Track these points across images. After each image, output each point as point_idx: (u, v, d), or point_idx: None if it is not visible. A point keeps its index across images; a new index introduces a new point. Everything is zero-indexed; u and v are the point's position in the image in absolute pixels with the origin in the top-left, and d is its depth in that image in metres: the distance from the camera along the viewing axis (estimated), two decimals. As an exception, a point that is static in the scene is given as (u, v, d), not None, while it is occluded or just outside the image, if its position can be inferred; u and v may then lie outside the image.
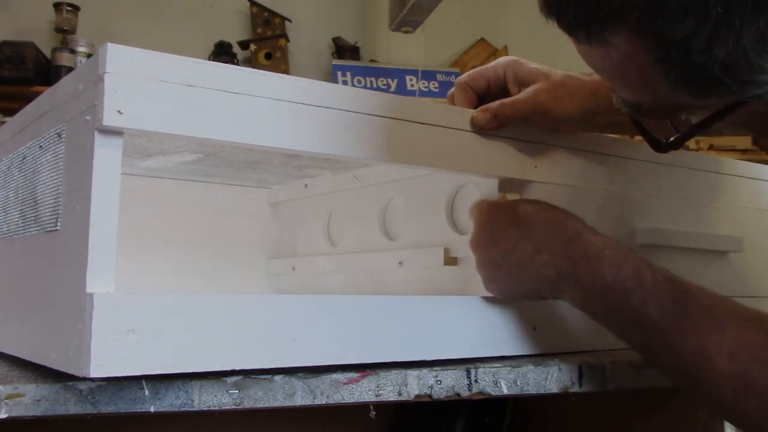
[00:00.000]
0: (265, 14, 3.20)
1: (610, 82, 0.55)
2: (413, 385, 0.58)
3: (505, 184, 0.72)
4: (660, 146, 0.60)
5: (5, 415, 0.46)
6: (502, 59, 0.75)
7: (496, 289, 0.66)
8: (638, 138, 0.83)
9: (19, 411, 0.47)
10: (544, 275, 0.62)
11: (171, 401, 0.50)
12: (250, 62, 3.10)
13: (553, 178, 0.73)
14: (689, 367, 0.56)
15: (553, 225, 0.63)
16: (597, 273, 0.59)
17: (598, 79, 0.72)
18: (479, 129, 0.67)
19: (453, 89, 0.76)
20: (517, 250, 0.63)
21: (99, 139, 0.49)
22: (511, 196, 0.72)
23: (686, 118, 0.57)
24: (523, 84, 0.72)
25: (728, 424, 0.80)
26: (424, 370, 0.59)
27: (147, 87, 0.50)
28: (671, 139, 0.59)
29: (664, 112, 0.56)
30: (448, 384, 0.59)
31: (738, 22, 0.44)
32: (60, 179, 0.54)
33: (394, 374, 0.57)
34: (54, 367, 0.51)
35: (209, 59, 2.45)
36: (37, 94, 0.63)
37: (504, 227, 0.65)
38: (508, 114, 0.68)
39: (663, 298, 0.57)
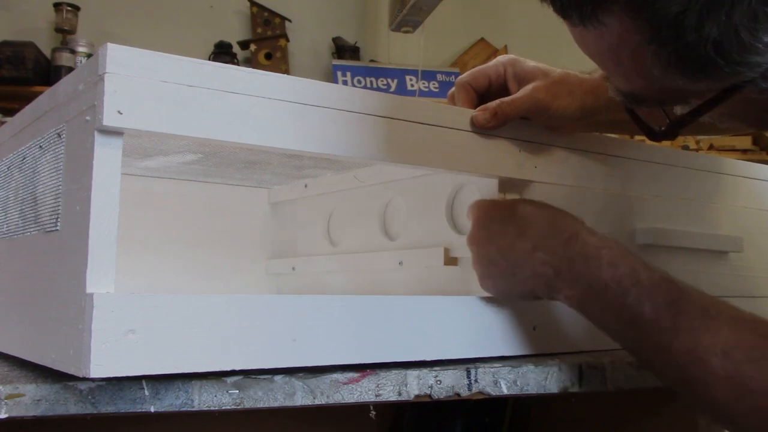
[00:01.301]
0: (265, 14, 3.20)
1: (605, 68, 0.55)
2: (413, 385, 0.58)
3: (505, 184, 0.72)
4: (654, 134, 0.60)
5: (5, 415, 0.46)
6: (501, 57, 0.75)
7: (491, 286, 0.66)
8: (638, 137, 0.83)
9: (19, 411, 0.47)
10: (540, 273, 0.62)
11: (171, 401, 0.50)
12: (250, 62, 3.10)
13: (553, 178, 0.73)
14: (682, 367, 0.55)
15: (551, 224, 0.63)
16: (594, 272, 0.59)
17: (597, 77, 0.72)
18: (479, 128, 0.68)
19: (454, 88, 0.76)
20: (514, 247, 0.63)
21: (99, 139, 0.49)
22: (511, 197, 0.72)
23: (680, 111, 0.57)
24: (522, 82, 0.72)
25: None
26: (424, 370, 0.59)
27: (147, 87, 0.50)
28: (664, 127, 0.59)
29: (657, 100, 0.56)
30: (448, 384, 0.59)
31: (729, 0, 0.44)
32: (60, 179, 0.54)
33: (394, 374, 0.57)
34: (54, 367, 0.51)
35: (209, 59, 2.45)
36: (37, 94, 0.63)
37: (502, 225, 0.65)
38: (507, 112, 0.68)
39: (658, 297, 0.57)
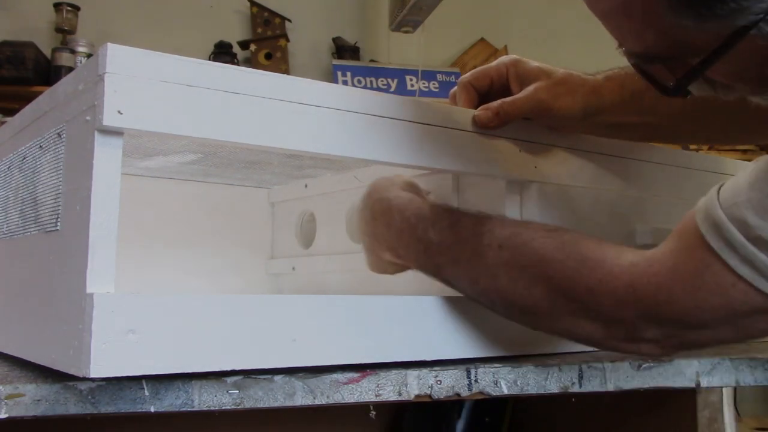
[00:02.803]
0: (265, 14, 3.20)
1: (616, 27, 0.56)
2: (413, 385, 0.58)
3: (508, 184, 0.72)
4: (667, 90, 0.60)
5: (5, 415, 0.46)
6: (504, 58, 0.75)
7: (376, 269, 0.75)
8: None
9: (19, 411, 0.47)
10: (384, 255, 0.70)
11: (171, 401, 0.50)
12: (250, 62, 3.10)
13: (553, 178, 0.73)
14: (470, 270, 0.62)
15: (378, 211, 0.70)
16: (393, 223, 0.68)
17: (600, 78, 0.72)
18: (481, 127, 0.68)
19: (455, 88, 0.77)
20: (368, 244, 0.73)
21: (99, 139, 0.49)
22: (511, 197, 0.72)
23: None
24: (524, 82, 0.72)
25: (728, 423, 0.80)
26: (424, 370, 0.59)
27: (147, 87, 0.50)
28: (674, 83, 0.59)
29: (669, 53, 0.56)
30: (448, 384, 0.59)
31: None
32: (60, 179, 0.54)
33: (394, 374, 0.57)
34: (54, 367, 0.51)
35: (209, 59, 2.45)
36: (37, 94, 0.63)
37: (363, 221, 0.73)
38: (509, 111, 0.69)
39: (441, 222, 0.64)
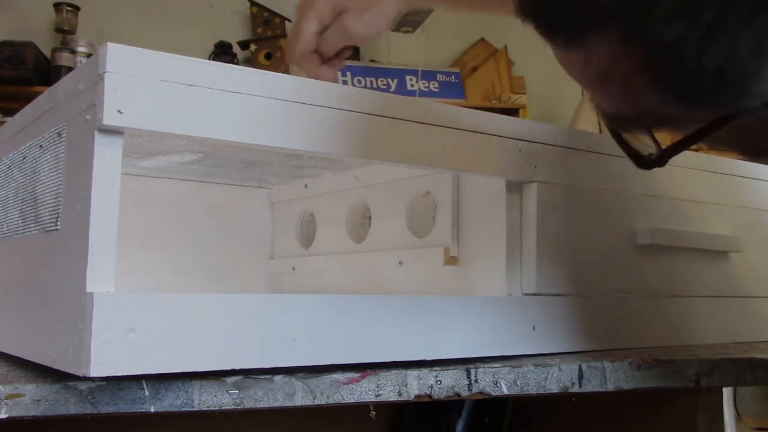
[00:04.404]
0: (265, 14, 3.20)
1: (590, 92, 0.50)
2: (413, 385, 0.58)
3: (508, 184, 0.72)
4: (644, 162, 0.55)
5: (5, 415, 0.46)
6: None
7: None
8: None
9: (19, 411, 0.47)
10: None
11: (171, 401, 0.50)
12: (250, 62, 3.11)
13: (553, 178, 0.73)
14: None
15: None
16: None
17: None
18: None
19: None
20: None
21: (99, 139, 0.49)
22: (511, 197, 0.72)
23: (670, 133, 0.52)
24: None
25: (728, 423, 0.80)
26: (424, 370, 0.59)
27: (147, 87, 0.50)
28: (655, 155, 0.55)
29: (646, 125, 0.52)
30: (448, 384, 0.59)
31: (732, 27, 0.39)
32: (60, 179, 0.54)
33: (394, 374, 0.57)
34: (54, 367, 0.51)
35: (209, 59, 2.45)
36: (37, 94, 0.63)
37: None
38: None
39: None
